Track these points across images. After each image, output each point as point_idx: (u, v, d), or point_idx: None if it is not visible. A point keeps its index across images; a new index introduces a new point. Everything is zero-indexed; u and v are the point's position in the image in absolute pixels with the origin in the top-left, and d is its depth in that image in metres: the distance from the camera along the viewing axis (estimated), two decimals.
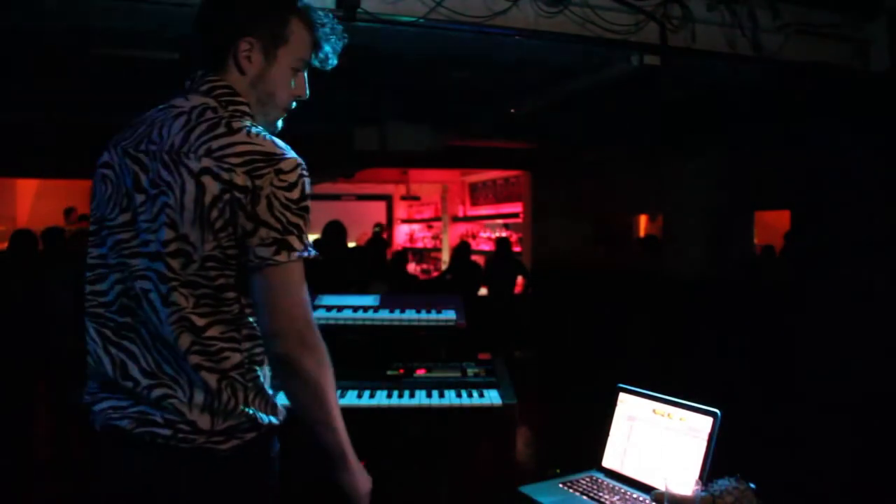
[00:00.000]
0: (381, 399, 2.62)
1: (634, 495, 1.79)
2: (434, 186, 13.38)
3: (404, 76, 5.06)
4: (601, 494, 1.81)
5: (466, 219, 13.16)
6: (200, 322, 1.32)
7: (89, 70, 4.63)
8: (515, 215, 11.18)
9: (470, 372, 2.86)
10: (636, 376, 2.10)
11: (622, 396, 1.98)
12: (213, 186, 1.28)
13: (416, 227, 14.14)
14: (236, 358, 1.35)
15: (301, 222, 1.32)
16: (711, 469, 1.69)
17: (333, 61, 1.53)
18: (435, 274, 12.02)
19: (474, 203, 13.10)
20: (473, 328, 2.96)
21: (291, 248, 1.30)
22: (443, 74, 4.89)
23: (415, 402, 2.62)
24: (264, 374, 1.42)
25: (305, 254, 1.33)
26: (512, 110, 5.80)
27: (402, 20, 3.28)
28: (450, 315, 2.88)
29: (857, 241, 5.35)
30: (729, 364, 5.86)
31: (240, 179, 1.28)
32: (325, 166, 9.58)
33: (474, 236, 12.35)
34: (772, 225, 7.26)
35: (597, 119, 6.54)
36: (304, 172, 1.34)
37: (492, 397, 2.62)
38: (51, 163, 9.48)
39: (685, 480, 1.61)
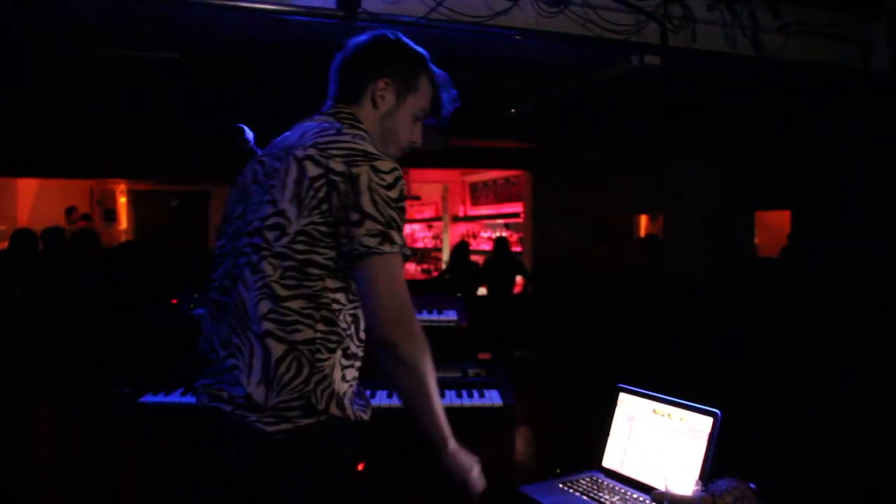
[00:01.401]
0: (381, 399, 2.62)
1: (634, 495, 1.79)
2: (434, 186, 13.37)
3: None
4: (601, 494, 1.81)
5: (467, 219, 13.15)
6: (282, 292, 1.42)
7: (89, 70, 4.62)
8: (516, 215, 11.17)
9: (470, 372, 2.86)
10: (636, 376, 2.10)
11: (622, 396, 1.98)
12: (312, 170, 1.44)
13: (416, 226, 14.13)
14: (308, 333, 1.43)
15: (399, 220, 1.45)
16: (711, 469, 1.69)
17: (446, 122, 1.75)
18: (435, 274, 12.02)
19: (475, 203, 13.09)
20: (473, 328, 2.96)
21: (393, 241, 1.43)
22: None
23: None
24: (336, 363, 1.46)
25: (404, 250, 1.45)
26: (512, 110, 5.80)
27: (403, 20, 3.28)
28: (451, 315, 2.88)
29: (858, 240, 5.35)
30: (729, 364, 5.85)
31: (337, 166, 1.43)
32: None
33: (475, 236, 12.34)
34: (772, 225, 7.25)
35: (597, 119, 6.54)
36: (401, 177, 1.47)
37: (492, 397, 2.62)
38: (51, 163, 9.48)
39: (685, 480, 1.61)
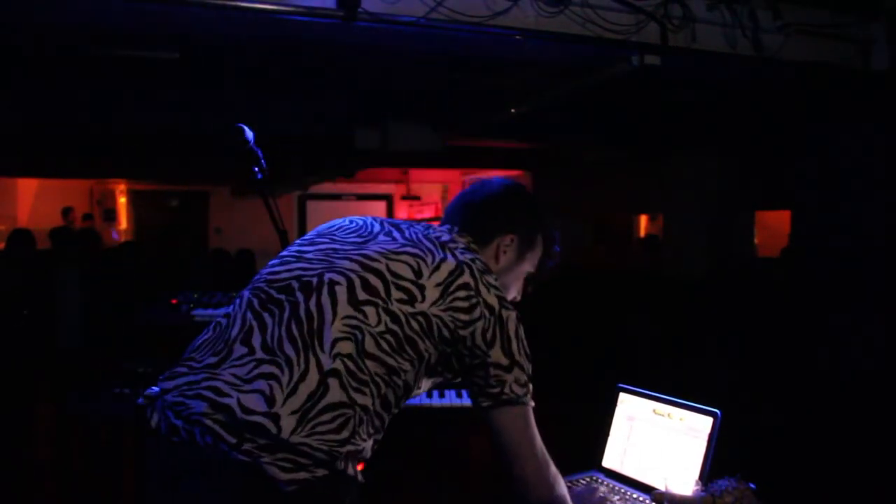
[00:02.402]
0: None
1: (634, 495, 1.79)
2: (434, 186, 13.38)
3: (404, 76, 5.06)
4: None
5: None
6: (371, 348, 1.34)
7: (89, 70, 4.62)
8: None
9: None
10: (636, 376, 2.10)
11: (622, 396, 1.97)
12: (467, 278, 1.42)
13: None
14: (368, 401, 1.33)
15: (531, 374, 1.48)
16: (711, 469, 1.68)
17: (541, 278, 1.75)
18: None
19: None
20: None
21: (531, 393, 1.46)
22: (443, 74, 4.88)
23: (415, 402, 2.61)
24: (368, 447, 1.35)
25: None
26: (512, 110, 5.80)
27: (402, 20, 3.28)
28: None
29: (858, 241, 5.35)
30: (729, 364, 5.85)
31: (490, 298, 1.42)
32: (325, 166, 9.58)
33: None
34: (772, 225, 7.25)
35: (597, 119, 6.54)
36: None
37: None
38: (51, 163, 9.48)
39: (685, 480, 1.61)
